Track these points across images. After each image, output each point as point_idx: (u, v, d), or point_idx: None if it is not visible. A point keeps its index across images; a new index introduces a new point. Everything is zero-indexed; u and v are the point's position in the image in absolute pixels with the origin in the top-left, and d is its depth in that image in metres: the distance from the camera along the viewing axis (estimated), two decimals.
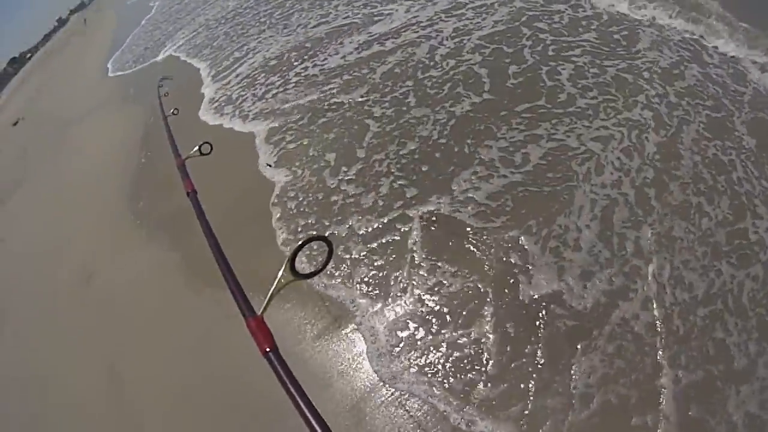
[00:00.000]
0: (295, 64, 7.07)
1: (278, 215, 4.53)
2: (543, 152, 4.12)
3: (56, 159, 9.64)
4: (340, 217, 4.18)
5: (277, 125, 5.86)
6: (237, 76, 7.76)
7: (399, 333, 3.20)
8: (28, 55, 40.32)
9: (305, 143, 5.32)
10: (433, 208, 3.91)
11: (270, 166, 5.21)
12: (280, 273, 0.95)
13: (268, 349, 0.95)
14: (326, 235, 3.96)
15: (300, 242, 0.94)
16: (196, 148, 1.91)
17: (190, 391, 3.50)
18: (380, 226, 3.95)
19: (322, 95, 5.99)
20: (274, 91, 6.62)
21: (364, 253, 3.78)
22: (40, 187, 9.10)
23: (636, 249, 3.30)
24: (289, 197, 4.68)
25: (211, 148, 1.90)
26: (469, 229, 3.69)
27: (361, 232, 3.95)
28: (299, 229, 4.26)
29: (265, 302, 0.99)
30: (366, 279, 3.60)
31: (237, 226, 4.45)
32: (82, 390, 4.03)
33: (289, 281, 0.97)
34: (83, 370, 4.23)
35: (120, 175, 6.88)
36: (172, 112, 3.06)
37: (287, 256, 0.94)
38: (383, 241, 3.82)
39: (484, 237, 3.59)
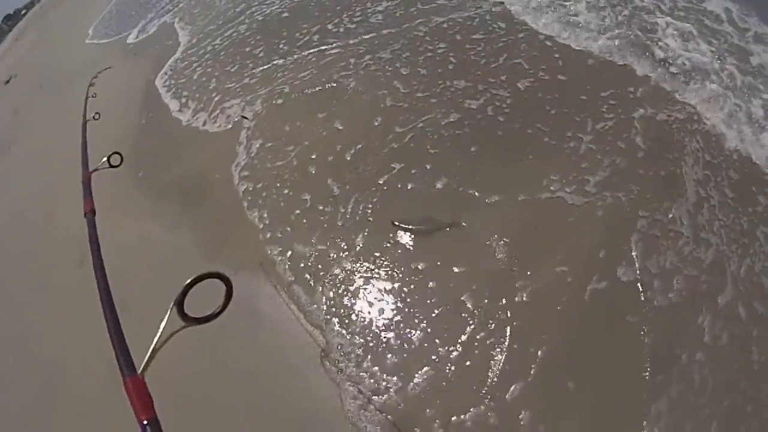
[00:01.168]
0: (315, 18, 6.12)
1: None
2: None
3: (47, 121, 8.85)
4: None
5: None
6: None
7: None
8: (23, 11, 38.38)
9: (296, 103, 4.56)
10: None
11: (246, 118, 4.54)
12: (165, 320, 0.77)
13: (145, 421, 0.75)
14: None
15: (189, 281, 0.80)
16: (105, 159, 1.71)
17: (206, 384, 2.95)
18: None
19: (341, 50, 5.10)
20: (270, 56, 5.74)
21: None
22: (29, 153, 8.36)
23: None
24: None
25: (122, 159, 1.72)
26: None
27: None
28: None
29: (146, 358, 0.80)
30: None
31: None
32: (81, 385, 3.48)
33: (179, 329, 0.80)
34: (79, 365, 3.63)
35: (117, 137, 6.12)
36: (93, 117, 2.73)
37: (175, 298, 0.78)
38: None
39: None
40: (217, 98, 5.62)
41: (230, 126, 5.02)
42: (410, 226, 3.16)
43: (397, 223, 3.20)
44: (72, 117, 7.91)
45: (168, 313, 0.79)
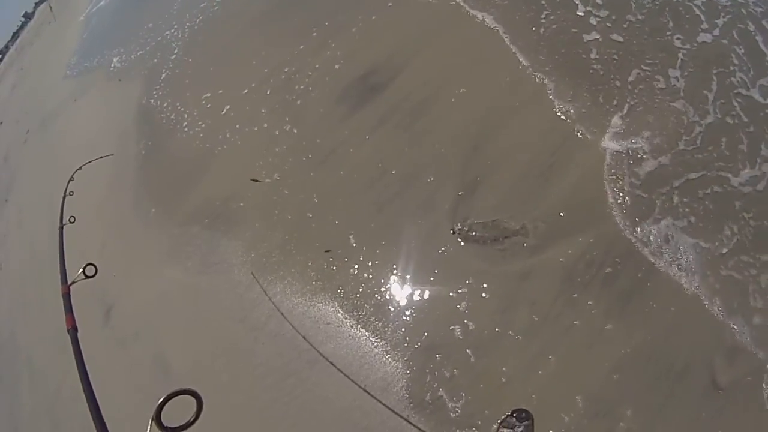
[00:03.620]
0: None
1: None
2: None
3: (40, 166, 8.25)
4: None
5: None
6: None
7: None
8: (0, 57, 37.85)
9: None
10: None
11: (257, 181, 3.78)
12: None
13: None
14: None
15: (163, 398, 0.84)
16: (80, 271, 1.61)
17: None
18: None
19: None
20: None
21: None
22: (27, 202, 7.78)
23: None
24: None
25: (96, 270, 1.61)
26: None
27: None
28: None
29: None
30: None
31: None
32: None
33: None
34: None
35: (118, 173, 5.49)
36: (69, 220, 2.72)
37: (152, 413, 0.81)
38: None
39: None
40: (223, 108, 4.95)
41: (251, 133, 4.37)
42: (474, 233, 2.66)
43: (456, 230, 2.71)
44: (60, 165, 7.20)
45: (149, 428, 0.81)
